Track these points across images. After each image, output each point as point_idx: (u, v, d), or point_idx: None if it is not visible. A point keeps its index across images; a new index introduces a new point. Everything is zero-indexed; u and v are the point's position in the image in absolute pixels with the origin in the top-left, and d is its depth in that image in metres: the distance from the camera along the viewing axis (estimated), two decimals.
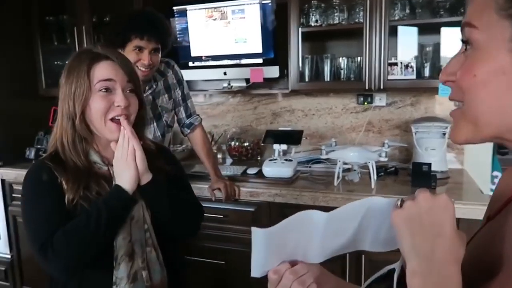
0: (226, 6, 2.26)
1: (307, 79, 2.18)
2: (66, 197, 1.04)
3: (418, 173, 1.76)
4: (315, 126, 2.40)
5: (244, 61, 2.31)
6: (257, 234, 0.57)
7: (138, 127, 1.16)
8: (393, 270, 0.53)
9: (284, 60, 2.16)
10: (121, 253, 1.07)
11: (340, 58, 2.18)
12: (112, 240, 1.07)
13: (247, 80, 2.34)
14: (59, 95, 1.10)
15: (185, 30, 2.37)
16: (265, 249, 0.58)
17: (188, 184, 1.33)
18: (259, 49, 2.26)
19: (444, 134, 1.93)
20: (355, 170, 1.82)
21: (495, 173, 1.88)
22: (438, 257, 0.45)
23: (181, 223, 1.19)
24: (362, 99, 2.26)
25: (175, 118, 1.95)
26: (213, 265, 1.95)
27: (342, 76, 2.18)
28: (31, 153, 2.47)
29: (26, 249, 2.44)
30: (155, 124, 1.85)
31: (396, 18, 1.98)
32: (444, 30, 2.01)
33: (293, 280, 0.58)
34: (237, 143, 2.41)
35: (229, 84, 2.39)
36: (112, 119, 1.07)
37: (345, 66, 2.16)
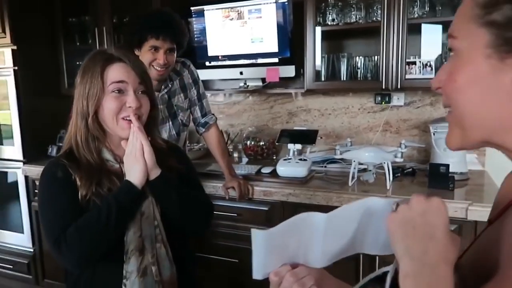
0: (243, 6, 2.27)
1: (323, 79, 2.16)
2: (79, 193, 1.07)
3: (435, 174, 1.72)
4: (332, 126, 2.38)
5: (260, 61, 2.31)
6: (257, 236, 0.57)
7: (150, 127, 1.19)
8: (388, 272, 0.52)
9: (301, 60, 2.15)
10: (132, 248, 1.10)
11: (357, 57, 2.16)
12: (123, 234, 1.09)
13: (263, 80, 2.34)
14: (74, 94, 1.14)
15: (202, 30, 2.39)
16: (265, 251, 0.58)
17: (198, 183, 1.34)
18: (275, 48, 2.25)
19: None
20: (370, 170, 1.79)
21: None
22: (430, 259, 0.46)
23: (190, 220, 1.20)
24: (379, 98, 2.22)
25: (191, 117, 1.97)
26: (226, 263, 1.96)
27: (359, 75, 2.15)
28: (53, 151, 2.54)
29: None
30: (170, 123, 1.87)
31: (415, 16, 1.94)
32: None
33: (293, 282, 0.58)
34: (252, 142, 2.41)
35: (245, 83, 2.39)
36: (123, 118, 1.10)
37: (362, 65, 2.14)
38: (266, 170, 2.01)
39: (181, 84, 1.90)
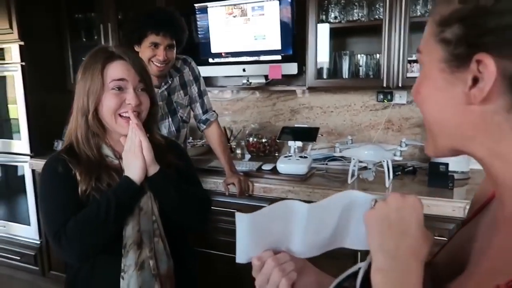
0: (246, 3, 2.27)
1: (325, 76, 2.17)
2: (79, 188, 1.10)
3: (434, 173, 1.72)
4: (334, 124, 2.38)
5: (263, 58, 2.32)
6: (241, 219, 0.59)
7: (149, 123, 1.21)
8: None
9: (303, 57, 2.15)
10: (130, 242, 1.12)
11: (359, 55, 2.15)
12: (122, 229, 1.11)
13: (266, 77, 2.35)
14: (75, 91, 1.16)
15: (206, 27, 2.41)
16: (248, 234, 0.60)
17: (197, 179, 1.36)
18: (278, 45, 2.26)
19: None
20: (370, 168, 1.80)
21: None
22: (401, 254, 0.47)
23: (188, 215, 1.23)
24: (381, 96, 2.22)
25: (191, 114, 1.99)
26: (226, 258, 1.98)
27: (360, 73, 2.15)
28: (58, 145, 2.58)
29: None
30: (170, 119, 1.90)
31: (418, 14, 1.93)
32: None
33: (274, 267, 0.60)
34: (255, 139, 2.43)
35: (248, 80, 2.41)
36: (121, 115, 1.12)
37: (364, 63, 2.13)
38: (267, 167, 2.03)
39: (181, 81, 1.92)
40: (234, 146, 2.53)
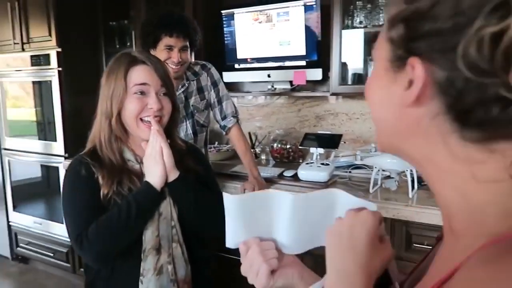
0: (272, 9, 2.29)
1: (349, 82, 2.14)
2: (101, 191, 1.13)
3: None
4: (360, 131, 2.35)
5: (288, 63, 2.33)
6: (228, 200, 0.62)
7: (170, 128, 1.23)
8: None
9: (328, 62, 2.13)
10: (149, 247, 1.14)
11: None
12: (141, 233, 1.14)
13: (291, 83, 2.35)
14: (99, 95, 1.19)
15: (232, 33, 2.44)
16: (235, 218, 0.63)
17: (216, 184, 1.38)
18: (302, 51, 2.26)
19: None
20: (393, 177, 1.76)
21: None
22: (347, 269, 0.49)
23: (207, 221, 1.23)
24: None
25: (209, 118, 2.01)
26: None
27: None
28: None
29: None
30: (187, 122, 1.93)
31: None
32: None
33: (258, 252, 0.63)
34: (279, 145, 2.43)
35: (272, 86, 2.42)
36: (142, 119, 1.15)
37: None
38: (289, 173, 2.02)
39: (198, 86, 1.94)
40: (259, 152, 2.54)
